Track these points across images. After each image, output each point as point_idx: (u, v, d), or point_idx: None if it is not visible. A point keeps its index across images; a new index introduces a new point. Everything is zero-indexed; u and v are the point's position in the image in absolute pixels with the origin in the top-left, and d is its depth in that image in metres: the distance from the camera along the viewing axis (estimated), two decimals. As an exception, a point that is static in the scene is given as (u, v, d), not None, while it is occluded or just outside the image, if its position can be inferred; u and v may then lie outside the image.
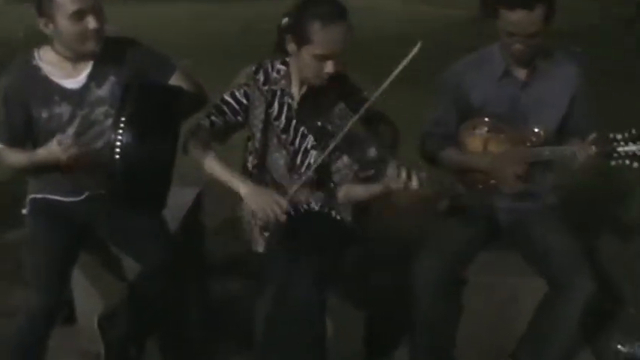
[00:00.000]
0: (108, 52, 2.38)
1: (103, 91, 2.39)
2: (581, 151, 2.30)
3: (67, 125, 2.36)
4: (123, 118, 2.19)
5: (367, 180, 2.28)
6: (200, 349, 2.72)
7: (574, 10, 8.96)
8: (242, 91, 2.40)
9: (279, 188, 2.39)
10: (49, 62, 2.37)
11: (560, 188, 2.70)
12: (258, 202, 2.26)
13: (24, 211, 2.51)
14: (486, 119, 2.50)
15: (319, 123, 2.19)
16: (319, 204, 2.44)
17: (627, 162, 2.28)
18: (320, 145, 2.30)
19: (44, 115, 2.35)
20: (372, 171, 2.23)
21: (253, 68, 2.41)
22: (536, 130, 2.45)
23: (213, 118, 2.41)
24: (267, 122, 2.39)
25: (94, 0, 2.28)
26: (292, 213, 2.42)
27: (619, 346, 2.82)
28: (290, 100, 2.37)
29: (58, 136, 2.29)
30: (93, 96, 2.38)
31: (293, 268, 2.19)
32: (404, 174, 2.04)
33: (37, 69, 2.36)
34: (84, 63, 2.38)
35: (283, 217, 2.22)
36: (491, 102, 2.49)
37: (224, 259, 2.94)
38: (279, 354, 2.24)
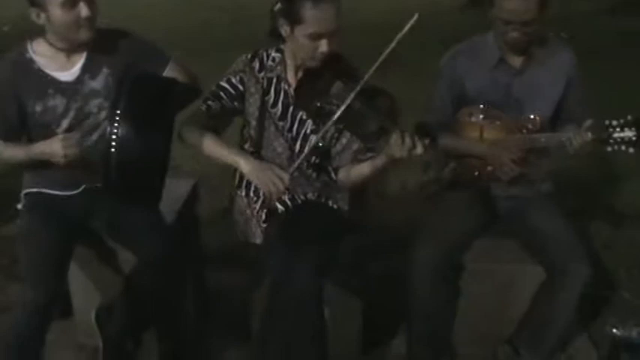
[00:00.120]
0: (101, 44, 2.36)
1: (97, 83, 2.37)
2: (577, 137, 2.31)
3: (62, 118, 2.34)
4: (118, 111, 2.17)
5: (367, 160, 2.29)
6: (197, 341, 2.73)
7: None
8: (238, 77, 2.39)
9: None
10: (42, 54, 2.35)
11: (555, 175, 2.71)
12: (260, 177, 2.25)
13: (19, 206, 2.49)
14: (482, 107, 2.50)
15: (318, 104, 2.17)
16: (316, 194, 2.44)
17: (623, 148, 2.28)
18: (319, 127, 2.29)
19: (38, 108, 2.33)
20: (373, 152, 2.23)
21: (249, 56, 2.40)
22: (531, 117, 2.45)
23: (209, 102, 2.40)
24: (263, 110, 2.38)
25: None
26: (289, 204, 2.42)
27: (614, 330, 2.84)
28: (286, 87, 2.36)
29: (67, 134, 2.28)
30: (87, 88, 2.36)
31: (291, 259, 2.18)
32: (408, 140, 2.04)
33: (31, 62, 2.34)
34: (77, 55, 2.36)
35: (284, 191, 2.21)
36: (487, 90, 2.49)
37: (220, 251, 2.93)
38: (279, 345, 2.24)
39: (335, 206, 2.45)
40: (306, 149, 2.25)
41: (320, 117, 2.22)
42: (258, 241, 2.44)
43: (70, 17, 2.24)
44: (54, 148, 2.26)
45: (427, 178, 2.15)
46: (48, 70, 2.34)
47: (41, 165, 2.35)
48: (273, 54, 2.39)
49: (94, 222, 2.47)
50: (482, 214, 2.61)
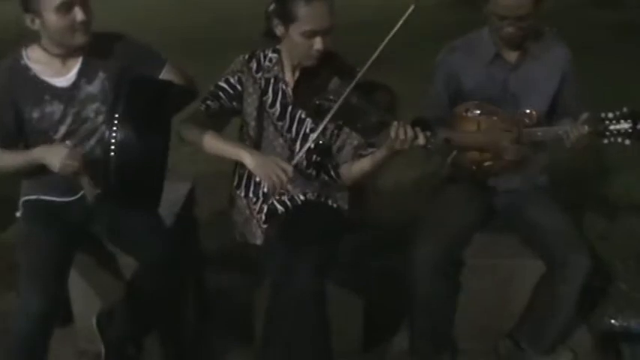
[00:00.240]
0: (97, 48, 2.35)
1: (94, 88, 2.36)
2: (574, 130, 2.32)
3: (59, 124, 2.33)
4: (117, 115, 2.17)
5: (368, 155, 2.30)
6: (199, 343, 2.72)
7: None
8: (236, 77, 2.40)
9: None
10: (38, 61, 2.33)
11: (550, 168, 2.73)
12: (264, 170, 2.24)
13: (17, 214, 2.47)
14: (479, 102, 2.50)
15: (316, 102, 2.18)
16: (315, 193, 2.44)
17: (619, 140, 2.30)
18: (319, 124, 2.29)
19: (35, 114, 2.32)
20: (373, 147, 2.24)
21: (246, 56, 2.41)
22: (527, 111, 2.46)
23: (208, 102, 2.40)
24: (261, 110, 2.38)
25: None
26: (289, 204, 2.42)
27: (612, 321, 2.86)
28: (284, 87, 2.37)
29: (74, 144, 2.28)
30: (84, 93, 2.35)
31: (293, 259, 2.18)
32: (409, 132, 2.05)
33: (26, 68, 2.32)
34: (73, 60, 2.35)
35: (287, 183, 2.21)
36: (483, 85, 2.50)
37: (220, 252, 2.93)
38: (281, 346, 2.23)
39: (335, 205, 2.46)
40: (307, 144, 2.25)
41: (319, 114, 2.22)
42: (259, 242, 2.44)
43: (65, 22, 2.23)
44: (53, 160, 2.23)
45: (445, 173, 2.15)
46: (44, 77, 2.33)
47: (39, 171, 2.34)
48: (270, 54, 2.39)
49: (93, 227, 2.45)
50: (481, 209, 2.62)
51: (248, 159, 2.27)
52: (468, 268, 2.59)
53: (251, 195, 2.47)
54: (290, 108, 2.37)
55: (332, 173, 2.43)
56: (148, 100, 2.25)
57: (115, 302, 2.50)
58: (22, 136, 2.36)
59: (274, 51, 2.39)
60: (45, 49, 2.33)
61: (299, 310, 2.17)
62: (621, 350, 2.71)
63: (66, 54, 2.33)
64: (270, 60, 2.38)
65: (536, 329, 2.55)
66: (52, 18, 2.22)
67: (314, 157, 2.39)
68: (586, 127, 2.31)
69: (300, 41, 2.22)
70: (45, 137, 2.32)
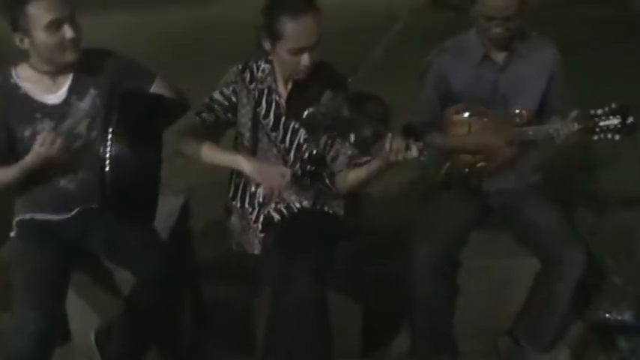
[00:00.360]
0: (86, 65, 2.34)
1: (85, 104, 2.35)
2: (564, 128, 2.35)
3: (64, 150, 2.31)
4: (110, 130, 2.17)
5: (364, 165, 2.31)
6: (198, 355, 2.71)
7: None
8: (230, 88, 2.40)
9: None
10: (28, 79, 2.33)
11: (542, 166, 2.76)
12: (263, 176, 2.27)
13: (12, 234, 2.46)
14: (468, 104, 2.53)
15: (310, 114, 2.19)
16: (311, 201, 2.45)
17: (609, 135, 2.34)
18: (312, 137, 2.30)
19: (27, 133, 2.30)
20: (368, 156, 2.25)
21: (240, 67, 2.41)
22: (517, 111, 2.49)
23: (204, 115, 2.41)
24: (255, 121, 2.39)
25: (70, 8, 2.25)
26: (286, 213, 2.42)
27: (607, 315, 2.89)
28: (277, 98, 2.37)
29: (39, 137, 2.22)
30: (75, 110, 2.34)
31: (292, 267, 2.19)
32: (402, 144, 2.08)
33: (16, 87, 2.31)
34: (63, 77, 2.34)
35: (287, 188, 2.24)
36: (472, 87, 2.53)
37: (217, 263, 2.92)
38: (285, 354, 2.23)
39: (331, 212, 2.46)
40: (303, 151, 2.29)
41: (312, 127, 2.23)
42: (257, 251, 2.44)
43: (54, 40, 2.22)
44: (40, 152, 2.20)
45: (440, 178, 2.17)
46: (34, 95, 2.32)
47: (32, 189, 2.33)
48: (263, 65, 2.40)
49: (89, 244, 2.44)
50: (475, 210, 2.64)
51: (246, 165, 2.29)
52: (465, 269, 2.61)
53: (247, 205, 2.47)
54: (283, 119, 2.38)
55: (327, 181, 2.44)
56: (140, 115, 2.25)
57: (113, 318, 2.49)
58: (13, 154, 2.34)
59: (267, 61, 2.39)
60: (34, 68, 2.32)
61: (300, 317, 2.17)
62: (617, 343, 2.74)
63: (56, 71, 2.33)
64: (263, 71, 2.39)
65: (534, 326, 2.57)
66: (41, 36, 2.21)
67: (308, 167, 2.40)
68: (576, 125, 2.34)
69: (287, 58, 2.23)
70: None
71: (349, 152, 2.35)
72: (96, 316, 2.57)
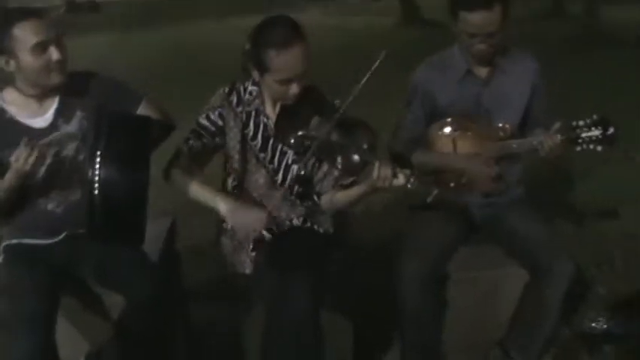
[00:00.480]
0: (73, 87, 2.34)
1: (72, 127, 2.34)
2: (548, 140, 2.40)
3: (39, 165, 2.29)
4: (98, 152, 2.17)
5: (350, 186, 2.32)
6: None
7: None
8: (217, 112, 2.40)
9: (261, 207, 2.40)
10: (13, 103, 2.31)
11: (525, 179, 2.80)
12: (238, 219, 2.30)
13: None
14: (453, 119, 2.57)
15: (298, 138, 2.21)
16: (301, 219, 2.45)
17: (591, 146, 2.39)
18: (300, 158, 2.32)
19: (14, 157, 2.28)
20: (354, 178, 2.27)
21: (226, 90, 2.41)
22: (500, 124, 2.53)
23: (191, 142, 2.41)
24: (244, 143, 2.40)
25: (56, 30, 2.24)
26: (276, 231, 2.43)
27: (593, 324, 2.93)
28: (265, 120, 2.38)
29: (14, 154, 2.18)
30: (62, 133, 2.33)
31: (286, 287, 2.19)
32: (389, 172, 2.09)
33: (2, 111, 2.30)
34: (49, 100, 2.33)
35: (260, 232, 2.28)
36: (456, 102, 2.57)
37: (206, 285, 2.92)
38: None
39: (321, 230, 2.47)
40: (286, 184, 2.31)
41: (300, 150, 2.25)
42: (248, 270, 2.43)
43: (40, 62, 2.22)
44: (19, 165, 2.15)
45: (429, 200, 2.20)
46: (20, 119, 2.30)
47: (21, 209, 2.32)
48: (250, 87, 2.40)
49: (78, 268, 2.41)
50: (461, 225, 2.67)
51: (222, 207, 2.34)
52: (453, 281, 2.63)
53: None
54: (272, 140, 2.39)
55: (315, 199, 2.46)
56: (128, 137, 2.26)
57: (102, 343, 2.47)
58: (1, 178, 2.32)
59: (254, 83, 2.39)
60: (20, 91, 2.31)
61: (295, 337, 2.16)
62: (604, 351, 2.78)
63: (42, 94, 2.32)
64: (251, 93, 2.39)
65: (524, 337, 2.59)
66: (27, 59, 2.21)
67: (296, 187, 2.41)
68: (559, 136, 2.39)
69: (275, 87, 2.24)
70: (24, 179, 2.28)
71: (336, 173, 2.37)
72: (85, 342, 2.53)
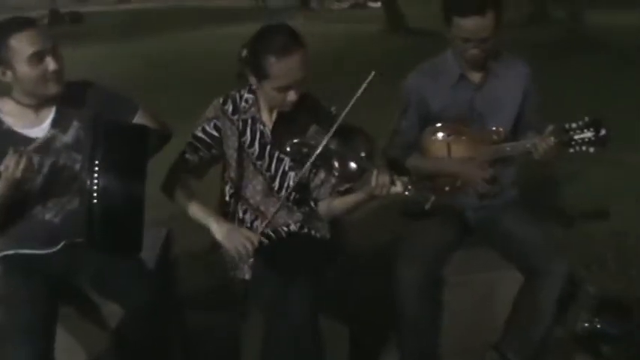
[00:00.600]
0: (69, 97, 2.34)
1: (69, 137, 2.34)
2: (542, 143, 2.43)
3: (36, 175, 2.29)
4: (96, 162, 2.17)
5: (347, 192, 2.34)
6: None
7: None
8: (212, 124, 2.41)
9: (259, 214, 2.43)
10: (10, 113, 2.31)
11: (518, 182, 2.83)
12: (229, 241, 2.32)
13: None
14: (447, 124, 2.59)
15: (295, 146, 2.22)
16: (298, 224, 2.47)
17: (584, 148, 2.42)
18: (297, 165, 2.33)
19: (2, 167, 2.27)
20: (351, 184, 2.29)
21: (221, 100, 2.42)
22: (494, 128, 2.56)
23: (187, 156, 2.43)
24: (241, 151, 2.41)
25: (52, 40, 2.25)
26: (274, 237, 2.44)
27: (586, 325, 2.95)
28: (262, 127, 2.39)
29: (3, 162, 2.15)
30: (59, 142, 2.33)
31: (286, 292, 2.19)
32: (387, 180, 2.11)
33: None
34: (46, 110, 2.33)
35: (252, 252, 2.30)
36: (450, 107, 2.59)
37: (202, 292, 2.92)
38: None
39: (318, 235, 2.49)
40: (288, 190, 2.33)
41: (298, 158, 2.27)
42: (247, 276, 2.44)
43: (37, 72, 2.22)
44: (4, 174, 2.14)
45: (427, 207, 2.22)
46: (17, 129, 2.30)
47: (18, 219, 2.31)
48: (246, 95, 2.41)
49: (76, 278, 2.40)
50: (456, 228, 2.70)
51: (216, 230, 2.36)
52: (449, 285, 2.64)
53: None
54: (269, 147, 2.40)
55: (311, 204, 2.47)
56: (126, 146, 2.26)
57: (100, 353, 2.46)
58: None
59: (250, 91, 2.40)
60: (17, 101, 2.31)
61: (296, 343, 2.16)
62: (601, 351, 2.80)
63: (38, 104, 2.32)
64: (247, 101, 2.40)
65: (521, 338, 2.61)
66: (24, 69, 2.21)
67: (293, 194, 2.42)
68: (552, 139, 2.42)
69: (273, 94, 2.25)
70: (21, 189, 2.28)
71: (333, 180, 2.38)
72: (83, 351, 2.52)
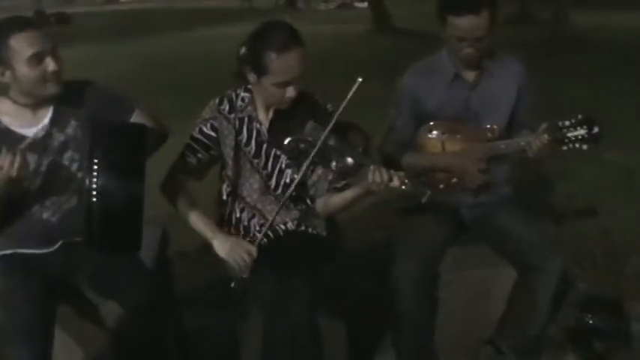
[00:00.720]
0: (67, 96, 2.34)
1: (66, 136, 2.34)
2: (536, 141, 2.46)
3: (34, 175, 2.29)
4: (95, 161, 2.18)
5: (344, 189, 2.36)
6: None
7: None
8: (209, 124, 2.43)
9: (256, 212, 2.45)
10: (7, 113, 2.31)
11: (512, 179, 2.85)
12: (229, 254, 2.35)
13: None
14: (441, 122, 2.62)
15: (292, 142, 2.24)
16: (295, 222, 2.48)
17: (577, 145, 2.45)
18: (294, 162, 2.35)
19: None
20: (348, 179, 2.31)
21: (217, 100, 2.44)
22: (488, 126, 2.59)
23: (187, 158, 2.45)
24: (237, 149, 2.42)
25: (51, 41, 2.25)
26: (272, 235, 2.45)
27: (578, 321, 2.98)
28: (258, 126, 2.41)
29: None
30: (57, 142, 2.33)
31: (286, 290, 2.21)
32: (384, 174, 2.13)
33: None
34: (44, 109, 2.33)
35: (251, 263, 2.33)
36: (445, 105, 2.62)
37: (199, 291, 2.92)
38: None
39: (314, 232, 2.50)
40: (289, 189, 2.32)
41: (296, 156, 2.28)
42: (246, 274, 2.44)
43: (37, 73, 2.22)
44: (4, 166, 2.11)
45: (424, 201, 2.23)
46: (15, 128, 2.30)
47: (16, 219, 2.31)
48: (243, 94, 2.43)
49: (74, 277, 2.40)
50: (451, 225, 2.72)
51: (215, 243, 2.40)
52: (444, 282, 2.67)
53: (232, 231, 2.49)
54: (265, 146, 2.42)
55: (308, 202, 2.49)
56: (125, 145, 2.27)
57: (98, 352, 2.46)
58: None
59: (246, 90, 2.42)
60: (14, 101, 2.31)
61: (296, 342, 2.17)
62: (593, 347, 2.84)
63: (36, 104, 2.32)
64: (243, 100, 2.42)
65: (516, 333, 2.64)
66: (23, 70, 2.21)
67: (290, 191, 2.43)
68: (546, 136, 2.45)
69: (272, 91, 2.26)
70: (19, 189, 2.28)
71: (330, 177, 2.40)
72: (80, 350, 2.52)
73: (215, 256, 2.44)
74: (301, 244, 2.43)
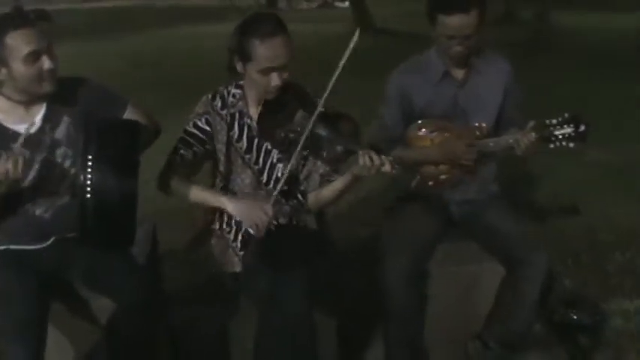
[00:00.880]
0: (59, 93, 2.34)
1: (59, 133, 2.34)
2: (524, 138, 2.50)
3: (27, 170, 2.29)
4: (89, 157, 2.18)
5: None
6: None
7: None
8: (203, 119, 2.45)
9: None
10: (0, 109, 2.30)
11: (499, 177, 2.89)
12: (245, 214, 2.37)
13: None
14: (431, 120, 2.65)
15: (282, 134, 2.27)
16: (286, 217, 2.50)
17: (564, 143, 2.50)
18: (285, 156, 2.37)
19: None
20: (338, 166, 2.35)
21: (209, 96, 2.47)
22: (477, 124, 2.63)
23: (182, 152, 2.46)
24: (229, 145, 2.44)
25: (48, 40, 2.25)
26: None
27: (565, 316, 3.02)
28: (249, 121, 2.43)
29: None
30: (49, 138, 2.33)
31: (281, 285, 2.23)
32: (376, 159, 2.15)
33: None
34: (37, 106, 2.33)
35: (270, 222, 2.33)
36: (434, 103, 2.65)
37: (190, 286, 2.93)
38: None
39: (306, 226, 2.53)
40: (281, 180, 2.34)
41: (286, 146, 2.31)
42: (238, 269, 2.46)
43: (33, 71, 2.22)
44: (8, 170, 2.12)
45: (413, 185, 2.24)
46: (8, 124, 2.30)
47: (9, 215, 2.31)
48: (234, 90, 2.46)
49: (67, 273, 2.40)
50: (440, 221, 2.76)
51: (229, 205, 2.41)
52: (433, 277, 2.71)
53: (225, 226, 2.51)
54: (256, 141, 2.44)
55: (299, 197, 2.51)
56: (118, 141, 2.29)
57: (90, 348, 2.46)
58: None
59: (237, 86, 2.46)
60: (7, 97, 2.30)
61: (292, 336, 2.19)
62: (579, 342, 2.88)
63: (29, 101, 2.32)
64: (234, 96, 2.45)
65: (503, 329, 2.67)
66: (19, 68, 2.21)
67: (281, 185, 2.45)
68: (533, 134, 2.49)
69: (257, 78, 2.30)
70: (12, 186, 2.28)
71: (321, 170, 2.44)
72: (73, 347, 2.52)
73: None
74: (294, 238, 2.45)
